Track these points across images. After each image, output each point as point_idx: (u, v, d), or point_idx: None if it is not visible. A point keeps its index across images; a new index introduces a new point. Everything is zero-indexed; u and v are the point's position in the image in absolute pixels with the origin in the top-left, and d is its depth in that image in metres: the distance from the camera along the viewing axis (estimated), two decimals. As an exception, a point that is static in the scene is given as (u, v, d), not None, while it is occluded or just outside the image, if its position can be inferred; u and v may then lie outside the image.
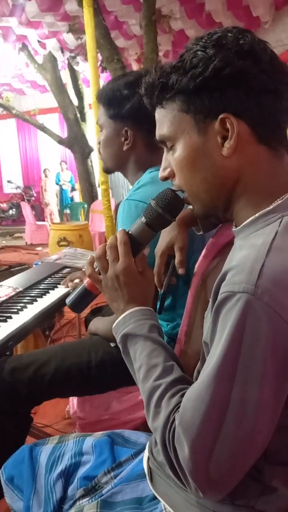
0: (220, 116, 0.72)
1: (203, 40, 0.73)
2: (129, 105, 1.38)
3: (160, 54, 6.27)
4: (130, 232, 0.89)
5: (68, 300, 0.96)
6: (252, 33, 0.73)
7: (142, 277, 0.87)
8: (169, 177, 0.82)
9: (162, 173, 0.82)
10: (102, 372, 1.45)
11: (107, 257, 0.87)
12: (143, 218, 0.88)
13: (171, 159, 0.80)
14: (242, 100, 0.71)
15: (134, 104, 1.37)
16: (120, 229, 0.89)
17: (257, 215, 0.72)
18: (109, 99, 1.42)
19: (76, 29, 6.74)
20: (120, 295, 0.85)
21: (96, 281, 0.89)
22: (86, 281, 0.94)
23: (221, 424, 0.61)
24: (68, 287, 1.94)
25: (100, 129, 1.49)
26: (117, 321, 0.85)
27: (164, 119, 0.78)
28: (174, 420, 0.68)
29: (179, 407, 0.68)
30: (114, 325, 0.85)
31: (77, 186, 11.51)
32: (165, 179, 0.83)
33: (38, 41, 7.41)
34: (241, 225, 0.75)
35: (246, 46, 0.70)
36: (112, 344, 1.45)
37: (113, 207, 5.75)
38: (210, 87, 0.71)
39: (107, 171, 1.57)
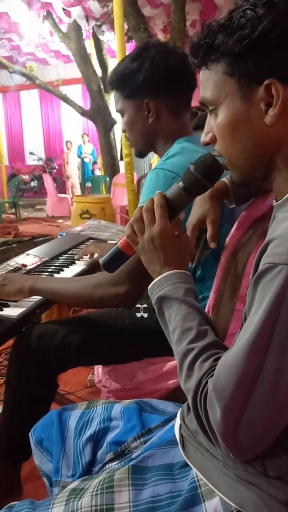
0: (266, 82, 0.69)
1: None
2: (141, 75, 1.36)
3: (188, 23, 6.08)
4: (166, 196, 0.88)
5: (101, 260, 0.97)
6: None
7: (178, 240, 0.87)
8: (211, 142, 0.80)
9: (204, 137, 0.81)
10: (127, 341, 1.47)
11: (143, 220, 0.86)
12: (181, 182, 0.87)
13: (213, 124, 0.78)
14: None
15: (146, 73, 1.35)
16: (157, 192, 0.88)
17: None
18: (122, 79, 1.40)
19: (102, -4, 6.60)
20: (156, 258, 0.85)
21: (134, 243, 0.89)
22: (120, 241, 0.94)
23: (253, 392, 0.62)
24: (81, 258, 1.96)
25: (122, 116, 1.47)
26: (152, 283, 0.85)
27: (208, 81, 0.76)
28: (206, 384, 0.69)
29: (211, 371, 0.69)
30: (149, 286, 0.85)
31: (98, 160, 11.46)
32: (207, 144, 0.81)
33: (63, 9, 7.27)
34: (283, 198, 0.73)
35: None
36: (137, 314, 1.46)
37: (135, 181, 5.72)
38: (257, 50, 0.68)
39: (140, 154, 1.54)
